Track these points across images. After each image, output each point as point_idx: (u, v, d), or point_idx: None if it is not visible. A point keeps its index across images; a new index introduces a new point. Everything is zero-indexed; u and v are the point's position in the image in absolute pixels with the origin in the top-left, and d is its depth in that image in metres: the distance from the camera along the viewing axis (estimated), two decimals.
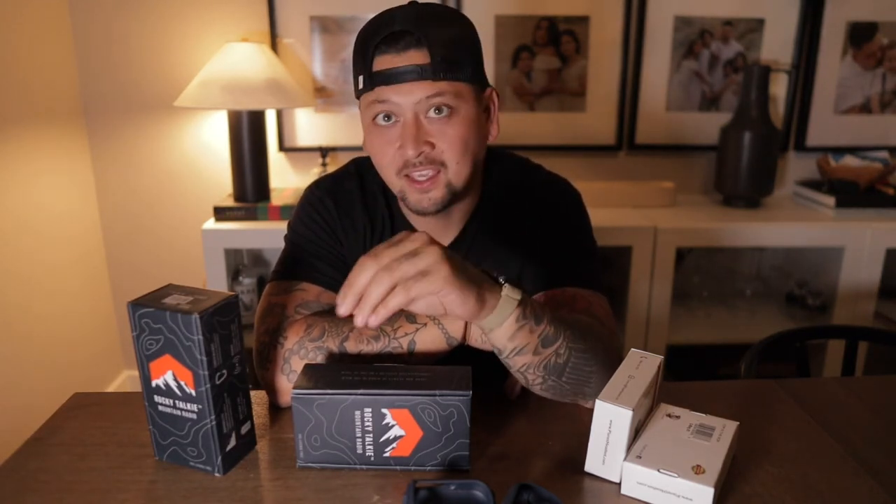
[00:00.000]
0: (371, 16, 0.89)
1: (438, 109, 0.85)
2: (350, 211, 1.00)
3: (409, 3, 0.89)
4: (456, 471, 0.75)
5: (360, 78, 0.87)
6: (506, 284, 0.73)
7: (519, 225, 0.99)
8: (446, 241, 0.99)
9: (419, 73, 0.83)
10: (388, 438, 0.73)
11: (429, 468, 0.75)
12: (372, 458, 0.74)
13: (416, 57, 0.83)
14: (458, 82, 0.86)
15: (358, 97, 0.91)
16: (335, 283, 0.94)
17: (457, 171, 0.88)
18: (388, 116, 0.87)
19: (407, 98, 0.84)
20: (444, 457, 0.74)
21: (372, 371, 0.76)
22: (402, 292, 0.66)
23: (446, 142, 0.86)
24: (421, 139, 0.85)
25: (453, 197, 0.90)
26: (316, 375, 0.75)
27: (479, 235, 0.99)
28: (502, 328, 0.73)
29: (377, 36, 0.84)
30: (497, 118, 0.95)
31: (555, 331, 0.76)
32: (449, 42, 0.84)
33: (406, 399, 0.72)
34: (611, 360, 0.83)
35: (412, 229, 0.96)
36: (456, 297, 0.67)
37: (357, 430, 0.73)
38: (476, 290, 0.69)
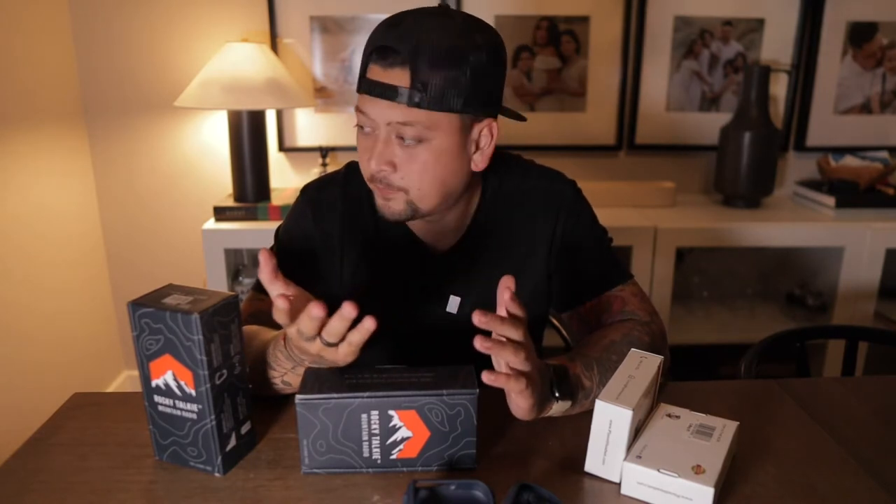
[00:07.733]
0: (371, 16, 0.88)
1: (404, 137, 0.83)
2: (325, 220, 0.98)
3: (435, 8, 0.84)
4: (463, 470, 0.74)
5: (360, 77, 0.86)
6: (559, 401, 0.79)
7: (521, 228, 0.99)
8: (447, 247, 0.98)
9: (395, 95, 0.80)
10: (395, 440, 0.73)
11: (435, 468, 0.75)
12: (379, 462, 0.74)
13: (398, 77, 0.80)
14: (438, 112, 0.82)
15: None
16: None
17: (419, 196, 0.86)
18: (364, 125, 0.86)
19: (379, 115, 0.83)
20: (451, 456, 0.74)
21: (375, 374, 0.75)
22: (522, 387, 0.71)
23: (407, 170, 0.84)
24: (384, 158, 0.84)
25: (415, 214, 0.88)
26: (320, 380, 0.74)
27: (481, 240, 0.98)
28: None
29: (375, 40, 0.82)
30: (491, 150, 0.89)
31: (599, 382, 0.84)
32: (439, 70, 0.79)
33: (413, 399, 0.72)
34: (656, 347, 0.92)
35: (399, 236, 0.97)
36: (526, 410, 0.74)
37: (364, 433, 0.73)
38: (539, 410, 0.77)
